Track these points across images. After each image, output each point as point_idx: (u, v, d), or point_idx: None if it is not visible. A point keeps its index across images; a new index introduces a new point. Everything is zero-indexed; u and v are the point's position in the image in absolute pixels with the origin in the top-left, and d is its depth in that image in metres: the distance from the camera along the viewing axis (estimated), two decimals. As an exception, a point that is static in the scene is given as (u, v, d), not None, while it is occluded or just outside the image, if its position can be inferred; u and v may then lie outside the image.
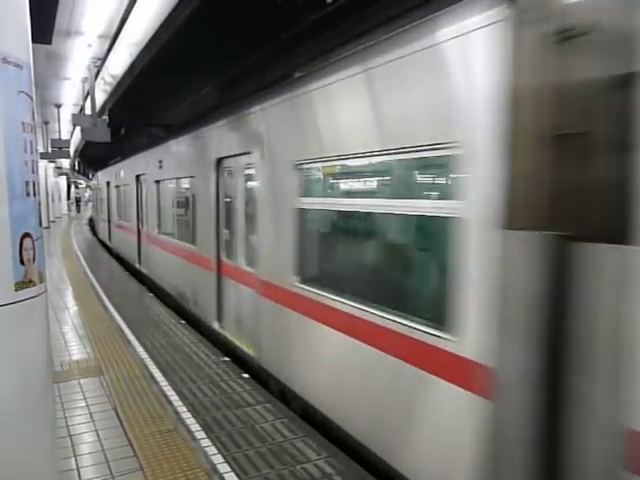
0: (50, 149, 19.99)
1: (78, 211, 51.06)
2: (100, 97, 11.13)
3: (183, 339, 6.74)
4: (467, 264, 2.90)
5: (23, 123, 2.24)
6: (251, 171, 5.81)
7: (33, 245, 2.28)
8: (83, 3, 8.26)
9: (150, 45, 6.91)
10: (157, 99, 10.15)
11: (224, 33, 6.12)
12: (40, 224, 2.41)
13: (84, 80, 12.96)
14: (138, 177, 12.05)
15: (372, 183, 4.38)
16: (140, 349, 6.28)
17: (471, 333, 2.87)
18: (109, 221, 18.46)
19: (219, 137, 6.70)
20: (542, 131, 2.40)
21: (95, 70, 11.27)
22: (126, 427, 4.21)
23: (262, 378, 5.39)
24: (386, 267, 3.98)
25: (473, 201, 2.84)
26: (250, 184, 5.95)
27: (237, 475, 3.52)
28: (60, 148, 19.55)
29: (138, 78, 8.41)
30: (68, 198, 48.18)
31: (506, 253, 2.61)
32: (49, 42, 7.31)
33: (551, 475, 2.43)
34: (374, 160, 3.92)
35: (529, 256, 2.47)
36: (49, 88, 14.51)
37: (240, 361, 5.93)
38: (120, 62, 8.57)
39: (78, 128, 15.19)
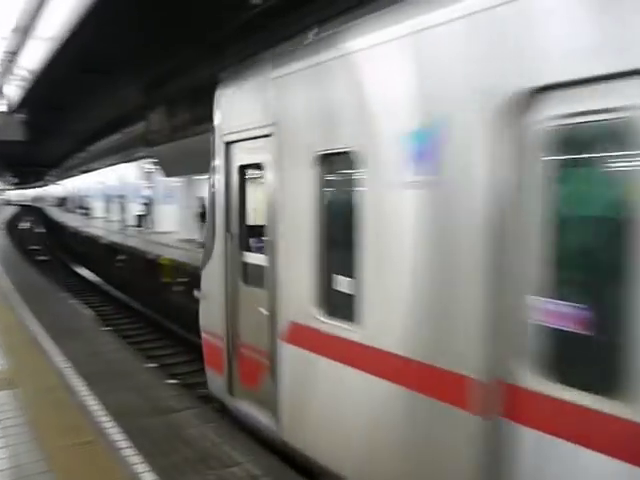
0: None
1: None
2: (15, 93, 10.51)
3: (107, 346, 6.48)
4: None
5: None
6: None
7: None
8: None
9: (69, 40, 6.62)
10: (77, 98, 9.72)
11: (147, 30, 5.98)
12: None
13: (-4, 75, 12.20)
14: None
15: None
16: (59, 358, 5.97)
17: None
18: None
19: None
20: None
21: (7, 65, 10.65)
22: (41, 441, 3.99)
23: None
24: None
25: None
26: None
27: (162, 483, 3.43)
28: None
29: (56, 74, 8.03)
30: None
31: None
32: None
33: None
34: None
35: None
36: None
37: None
38: (36, 56, 8.14)
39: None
